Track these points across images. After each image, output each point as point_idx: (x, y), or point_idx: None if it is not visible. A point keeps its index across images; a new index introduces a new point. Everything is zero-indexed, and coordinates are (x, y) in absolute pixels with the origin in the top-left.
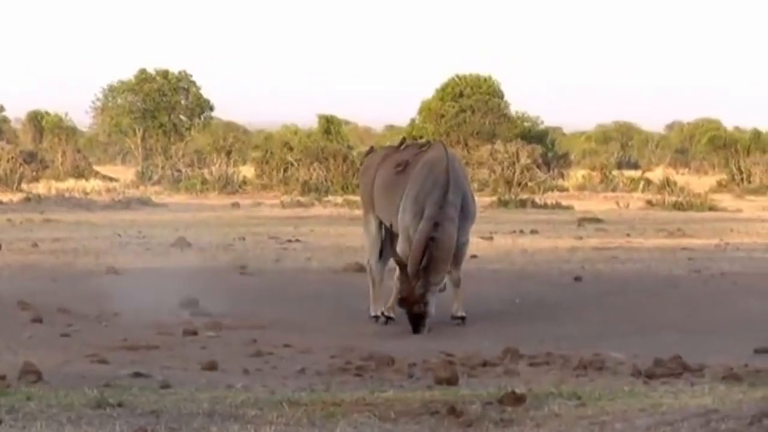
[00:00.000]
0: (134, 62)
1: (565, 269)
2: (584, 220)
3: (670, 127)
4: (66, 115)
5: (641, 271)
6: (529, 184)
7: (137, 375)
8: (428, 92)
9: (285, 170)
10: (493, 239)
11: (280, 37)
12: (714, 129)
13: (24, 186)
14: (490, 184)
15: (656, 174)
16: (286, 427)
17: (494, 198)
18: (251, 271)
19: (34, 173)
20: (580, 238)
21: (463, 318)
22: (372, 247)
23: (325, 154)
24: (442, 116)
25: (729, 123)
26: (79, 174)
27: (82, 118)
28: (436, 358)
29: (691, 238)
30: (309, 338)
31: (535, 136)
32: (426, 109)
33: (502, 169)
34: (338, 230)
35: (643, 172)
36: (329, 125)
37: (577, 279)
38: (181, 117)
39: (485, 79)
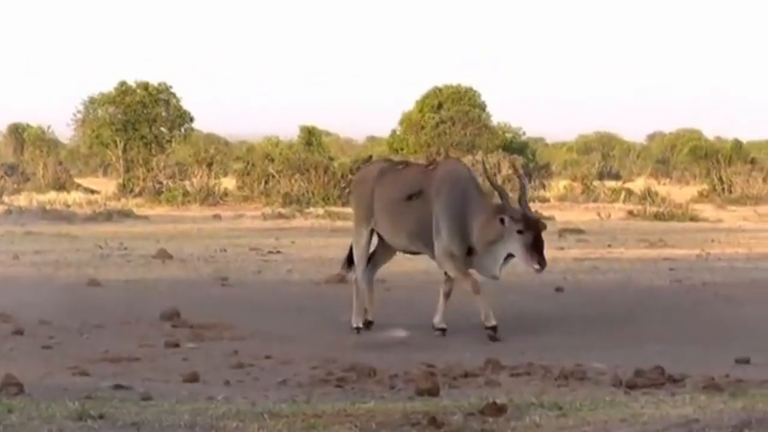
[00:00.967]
0: (115, 74)
1: (546, 280)
2: (565, 231)
3: (651, 137)
4: (49, 128)
5: (622, 281)
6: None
7: (118, 387)
8: (410, 104)
9: (266, 182)
10: None
11: (260, 49)
12: (695, 139)
13: (5, 198)
14: None
15: (637, 184)
16: None
17: None
18: (232, 283)
19: (16, 186)
20: (562, 248)
21: (443, 330)
22: (361, 259)
23: (307, 165)
24: (423, 127)
25: (710, 133)
26: (61, 186)
27: (63, 131)
28: (417, 369)
29: (673, 249)
30: (290, 350)
31: (517, 146)
32: (406, 120)
33: (483, 181)
34: (319, 242)
35: (624, 183)
36: (310, 136)
37: (559, 290)
38: (162, 129)
39: (466, 91)
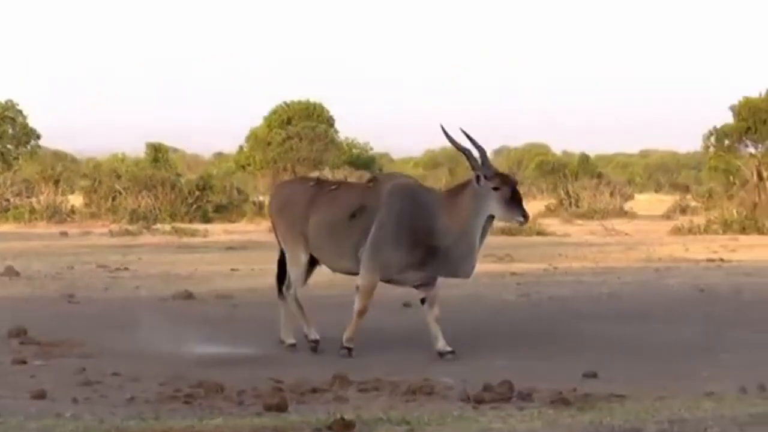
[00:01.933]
0: None
1: (393, 295)
2: None
3: (498, 152)
4: None
5: (470, 296)
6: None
7: None
8: (258, 120)
9: (113, 198)
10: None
11: (107, 66)
12: (542, 154)
13: None
14: None
15: None
16: None
17: None
18: (80, 300)
19: None
20: None
21: (349, 349)
22: (298, 279)
23: (153, 182)
24: (269, 143)
25: (557, 147)
26: None
27: None
28: (265, 385)
29: (520, 263)
30: (138, 366)
31: (364, 162)
32: (253, 136)
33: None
34: (167, 258)
35: None
36: (157, 153)
37: (406, 305)
38: (8, 146)
39: (315, 106)
